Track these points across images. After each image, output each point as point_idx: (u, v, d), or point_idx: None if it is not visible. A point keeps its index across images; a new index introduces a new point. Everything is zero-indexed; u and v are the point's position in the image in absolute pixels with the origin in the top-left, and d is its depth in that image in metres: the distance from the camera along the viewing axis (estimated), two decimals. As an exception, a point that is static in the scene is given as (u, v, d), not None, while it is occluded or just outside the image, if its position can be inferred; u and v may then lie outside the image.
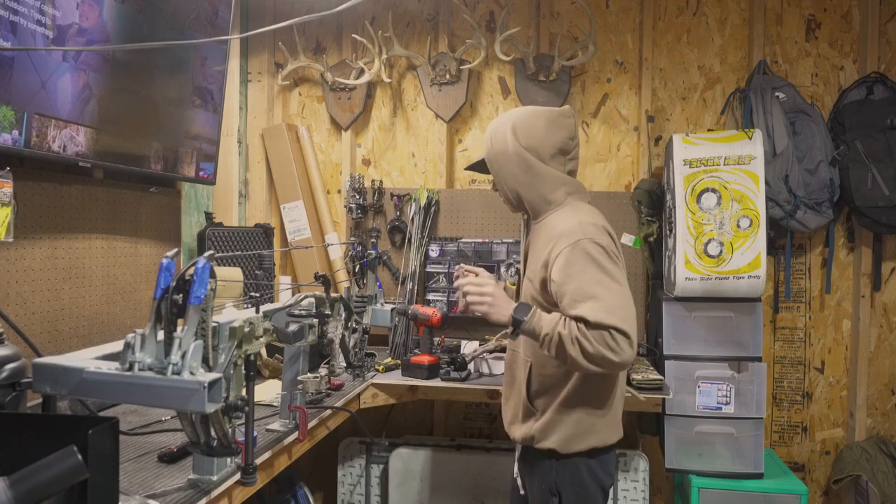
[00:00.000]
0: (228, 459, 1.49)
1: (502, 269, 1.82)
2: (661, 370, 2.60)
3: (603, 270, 1.54)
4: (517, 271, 1.85)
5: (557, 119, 1.73)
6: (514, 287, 1.96)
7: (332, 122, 3.34)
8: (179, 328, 1.17)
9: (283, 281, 3.19)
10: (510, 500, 1.97)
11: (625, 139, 3.15)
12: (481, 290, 1.65)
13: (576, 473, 1.71)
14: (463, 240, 3.08)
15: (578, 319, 1.51)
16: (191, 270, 1.17)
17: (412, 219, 3.10)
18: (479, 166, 1.84)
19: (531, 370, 1.74)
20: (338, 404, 2.14)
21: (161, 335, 1.16)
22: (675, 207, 2.55)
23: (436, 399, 2.89)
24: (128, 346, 1.15)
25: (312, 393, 2.06)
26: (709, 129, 3.04)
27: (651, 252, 3.00)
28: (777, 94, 2.85)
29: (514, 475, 1.89)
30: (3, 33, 1.64)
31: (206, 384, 1.10)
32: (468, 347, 2.75)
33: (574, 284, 1.55)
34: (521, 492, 1.84)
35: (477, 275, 1.71)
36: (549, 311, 1.62)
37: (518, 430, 1.77)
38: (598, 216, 1.69)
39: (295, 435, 1.81)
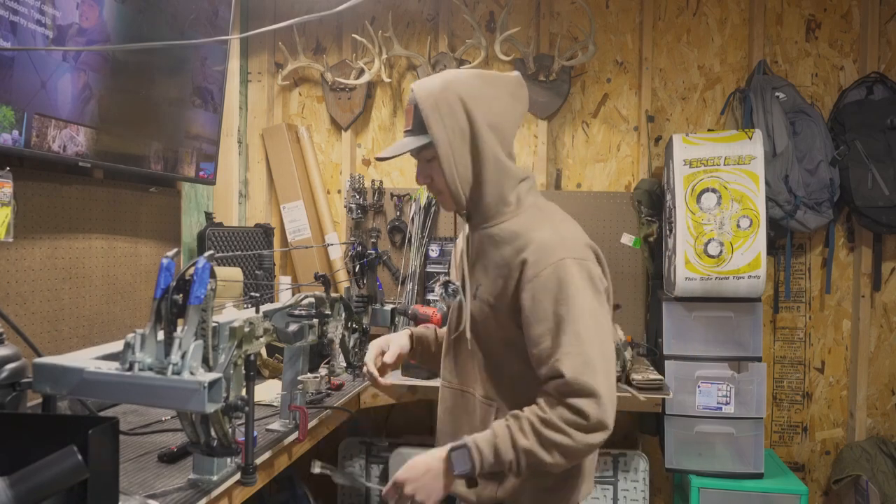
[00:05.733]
0: (228, 459, 1.49)
1: (437, 288, 1.49)
2: (661, 370, 2.60)
3: (585, 302, 1.22)
4: (455, 291, 1.43)
5: (516, 90, 1.37)
6: (447, 310, 1.53)
7: (332, 122, 3.34)
8: (179, 328, 1.17)
9: (283, 281, 3.19)
10: None
11: (625, 139, 3.14)
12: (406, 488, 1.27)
13: None
14: (463, 240, 3.08)
15: (554, 377, 1.20)
16: (191, 270, 1.17)
17: (412, 219, 3.10)
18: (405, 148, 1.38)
19: (497, 417, 1.33)
20: (338, 404, 2.14)
21: (161, 335, 1.16)
22: (675, 207, 2.55)
23: (436, 399, 2.89)
24: (128, 346, 1.15)
25: (312, 393, 2.06)
26: (709, 129, 3.04)
27: (651, 252, 3.00)
28: (777, 94, 2.85)
29: None
30: (3, 33, 1.64)
31: (206, 384, 1.10)
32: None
33: (545, 325, 1.23)
34: None
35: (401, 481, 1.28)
36: (514, 344, 1.29)
37: (473, 490, 1.34)
38: (575, 225, 1.37)
39: (295, 435, 1.81)
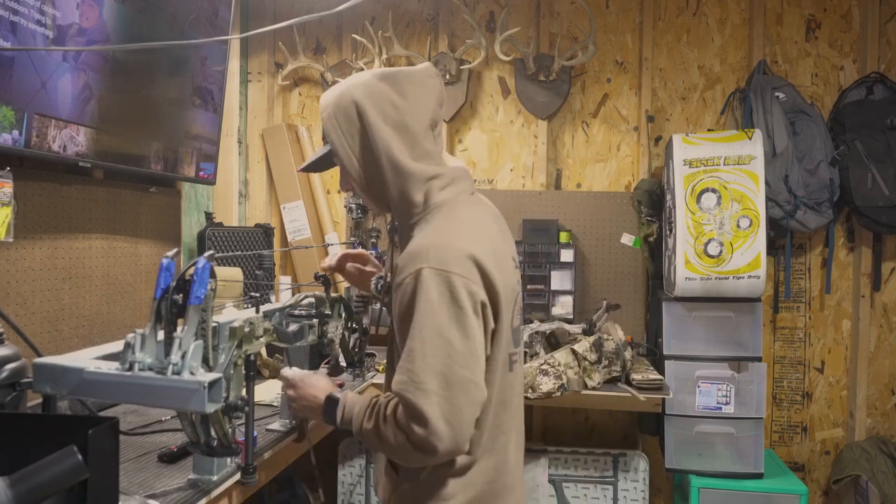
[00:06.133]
0: (228, 459, 1.49)
1: (371, 283, 1.55)
2: (661, 370, 2.60)
3: (432, 319, 1.13)
4: (382, 288, 1.46)
5: (424, 81, 1.30)
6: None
7: (332, 122, 3.34)
8: (179, 328, 1.17)
9: (283, 281, 3.19)
10: None
11: (625, 139, 3.14)
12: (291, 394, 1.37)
13: None
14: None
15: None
16: (191, 270, 1.17)
17: (412, 219, 3.09)
18: (322, 162, 1.38)
19: None
20: (338, 404, 2.14)
21: (161, 335, 1.16)
22: (675, 207, 2.55)
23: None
24: (128, 346, 1.15)
25: (312, 393, 2.06)
26: (709, 129, 3.04)
27: (651, 252, 3.00)
28: (777, 94, 2.85)
29: None
30: (3, 33, 1.64)
31: (206, 384, 1.10)
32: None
33: (399, 335, 1.20)
34: None
35: (293, 384, 1.38)
36: None
37: (381, 493, 1.36)
38: (477, 232, 1.25)
39: (295, 435, 1.81)
